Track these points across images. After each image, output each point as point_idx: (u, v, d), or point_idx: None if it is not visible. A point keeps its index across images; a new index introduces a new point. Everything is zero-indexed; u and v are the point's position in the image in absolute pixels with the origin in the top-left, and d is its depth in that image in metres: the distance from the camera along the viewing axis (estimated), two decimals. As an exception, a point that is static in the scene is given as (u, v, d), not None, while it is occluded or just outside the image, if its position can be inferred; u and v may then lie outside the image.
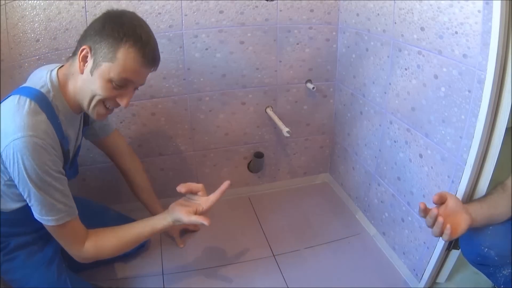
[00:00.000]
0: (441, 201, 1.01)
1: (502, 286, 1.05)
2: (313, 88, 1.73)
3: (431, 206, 1.00)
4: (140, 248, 1.51)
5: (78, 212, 1.06)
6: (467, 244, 1.09)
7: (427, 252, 1.30)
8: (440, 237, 0.98)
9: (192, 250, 1.59)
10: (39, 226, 1.01)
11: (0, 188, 1.00)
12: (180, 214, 1.16)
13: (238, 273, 1.47)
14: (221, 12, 1.55)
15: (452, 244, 1.24)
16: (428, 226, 1.00)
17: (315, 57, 1.73)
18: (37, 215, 0.98)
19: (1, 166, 0.96)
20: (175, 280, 1.44)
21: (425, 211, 0.99)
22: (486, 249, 1.03)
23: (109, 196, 1.77)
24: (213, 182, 1.87)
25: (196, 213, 1.17)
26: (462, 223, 0.97)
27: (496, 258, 1.02)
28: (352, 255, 1.55)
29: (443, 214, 0.99)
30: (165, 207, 1.30)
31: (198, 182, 1.83)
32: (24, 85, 1.02)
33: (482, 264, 1.07)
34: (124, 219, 1.39)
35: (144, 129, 1.68)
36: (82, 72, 1.00)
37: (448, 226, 0.96)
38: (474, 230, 1.04)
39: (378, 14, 1.40)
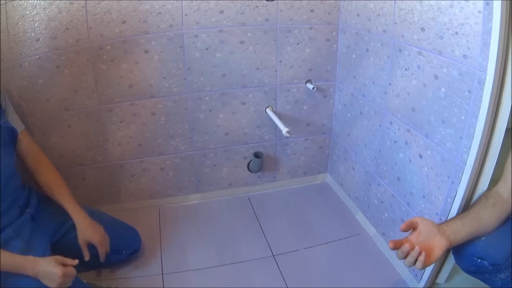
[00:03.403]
0: (409, 229, 0.99)
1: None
2: (313, 88, 1.73)
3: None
4: (133, 254, 1.50)
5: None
6: (460, 255, 1.07)
7: (426, 253, 1.30)
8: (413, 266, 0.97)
9: (192, 250, 1.58)
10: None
11: None
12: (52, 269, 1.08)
13: (238, 273, 1.47)
14: (221, 12, 1.55)
15: (451, 245, 1.24)
16: (400, 259, 0.98)
17: (315, 57, 1.73)
18: None
19: None
20: (175, 280, 1.44)
21: (396, 247, 0.97)
22: (479, 260, 1.01)
23: (109, 195, 1.77)
24: (213, 182, 1.89)
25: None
26: (436, 249, 0.96)
27: (489, 267, 1.01)
28: (351, 255, 1.55)
29: (416, 242, 0.97)
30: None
31: (198, 182, 1.85)
32: None
33: (476, 272, 1.06)
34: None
35: (144, 128, 1.68)
36: None
37: (422, 253, 0.93)
38: (465, 241, 1.02)
39: (379, 15, 1.40)
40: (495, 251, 1.00)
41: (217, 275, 1.46)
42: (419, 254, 0.95)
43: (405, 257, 0.97)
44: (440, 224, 1.01)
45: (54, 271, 1.07)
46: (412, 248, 0.96)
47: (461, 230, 0.99)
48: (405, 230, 0.99)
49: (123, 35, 1.49)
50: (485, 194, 1.04)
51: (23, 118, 1.40)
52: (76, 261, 1.15)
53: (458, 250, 1.06)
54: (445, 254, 1.27)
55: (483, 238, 1.01)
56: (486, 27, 0.96)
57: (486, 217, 1.00)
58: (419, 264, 0.95)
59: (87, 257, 1.30)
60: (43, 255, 1.15)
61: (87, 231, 1.30)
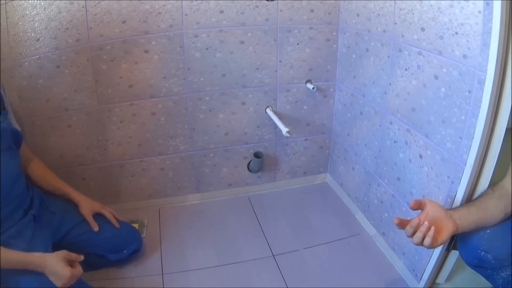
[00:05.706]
0: (418, 207, 0.99)
1: (500, 287, 1.05)
2: (313, 88, 1.73)
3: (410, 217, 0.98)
4: (134, 253, 1.50)
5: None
6: (464, 246, 1.08)
7: (426, 253, 1.30)
8: (421, 246, 0.96)
9: (192, 250, 1.58)
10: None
11: None
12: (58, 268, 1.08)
13: (238, 273, 1.47)
14: (221, 12, 1.55)
15: (451, 245, 1.24)
16: (408, 236, 0.97)
17: (315, 57, 1.72)
18: None
19: None
20: (175, 280, 1.44)
21: (401, 224, 0.97)
22: (483, 253, 1.02)
23: (109, 195, 1.77)
24: (213, 182, 1.89)
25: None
26: (444, 231, 0.95)
27: (493, 261, 1.01)
28: (351, 256, 1.55)
29: (424, 221, 0.97)
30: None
31: (198, 182, 1.85)
32: None
33: (479, 266, 1.07)
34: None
35: (144, 128, 1.68)
36: None
37: (432, 228, 0.92)
38: (470, 233, 1.03)
39: (379, 15, 1.40)
40: (499, 245, 1.00)
41: (217, 275, 1.46)
42: (428, 229, 0.93)
43: (414, 232, 0.95)
44: (447, 209, 1.01)
45: (63, 273, 1.07)
46: (422, 223, 0.95)
47: (468, 217, 0.98)
48: (414, 208, 0.98)
49: (123, 35, 1.49)
50: (491, 187, 1.04)
51: (23, 118, 1.40)
52: (82, 257, 1.16)
53: (463, 241, 1.07)
54: (446, 253, 1.27)
55: (488, 231, 1.02)
56: (486, 27, 0.96)
57: (492, 207, 1.00)
58: (427, 240, 0.93)
59: (95, 228, 1.39)
60: (42, 247, 1.16)
61: (89, 202, 1.44)
